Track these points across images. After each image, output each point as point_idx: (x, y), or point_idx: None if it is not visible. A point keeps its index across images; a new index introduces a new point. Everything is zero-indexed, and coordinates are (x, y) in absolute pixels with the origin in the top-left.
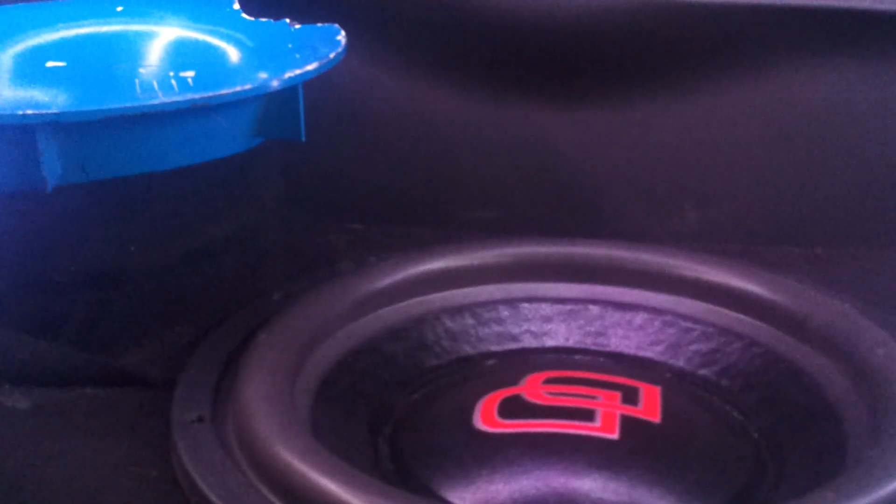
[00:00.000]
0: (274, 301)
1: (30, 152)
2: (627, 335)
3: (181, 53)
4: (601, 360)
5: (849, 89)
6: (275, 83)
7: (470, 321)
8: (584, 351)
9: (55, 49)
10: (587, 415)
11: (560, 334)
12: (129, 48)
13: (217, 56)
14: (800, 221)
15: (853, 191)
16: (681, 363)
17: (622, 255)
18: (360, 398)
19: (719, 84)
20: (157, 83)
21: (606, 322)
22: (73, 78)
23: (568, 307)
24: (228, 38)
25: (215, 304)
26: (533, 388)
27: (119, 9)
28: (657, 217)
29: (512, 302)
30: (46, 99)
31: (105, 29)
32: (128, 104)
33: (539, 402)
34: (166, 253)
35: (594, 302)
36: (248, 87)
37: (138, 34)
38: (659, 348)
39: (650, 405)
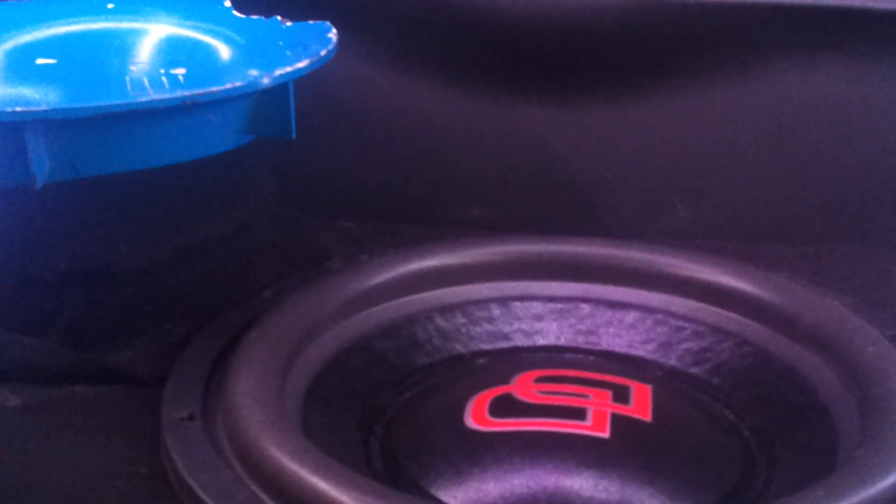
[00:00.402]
0: (265, 299)
1: (19, 149)
2: (619, 334)
3: (172, 50)
4: (592, 358)
5: (841, 88)
6: (265, 80)
7: (461, 320)
8: (576, 349)
9: (45, 46)
10: (578, 413)
11: (551, 333)
12: (119, 45)
13: (208, 53)
14: (791, 219)
15: (845, 189)
16: (672, 362)
17: (614, 254)
18: (351, 396)
19: (712, 82)
20: (148, 80)
21: (598, 321)
22: (64, 75)
23: (559, 306)
24: (219, 36)
25: (206, 301)
26: (524, 386)
27: (110, 6)
28: (650, 215)
29: (503, 300)
30: (36, 96)
31: (95, 26)
32: (118, 101)
33: (530, 400)
34: (157, 251)
35: (586, 300)
36: (238, 84)
37: (129, 31)
38: (650, 347)
39: (641, 404)
